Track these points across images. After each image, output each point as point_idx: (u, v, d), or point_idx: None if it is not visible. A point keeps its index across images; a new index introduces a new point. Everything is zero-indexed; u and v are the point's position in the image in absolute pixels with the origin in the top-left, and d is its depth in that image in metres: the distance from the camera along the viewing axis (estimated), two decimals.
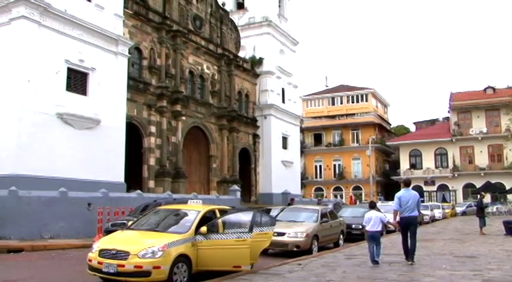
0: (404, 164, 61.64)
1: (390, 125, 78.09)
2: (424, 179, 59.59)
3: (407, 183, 12.90)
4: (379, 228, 12.17)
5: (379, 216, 12.24)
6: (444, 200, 55.72)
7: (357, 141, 65.51)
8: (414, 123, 74.84)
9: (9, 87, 21.74)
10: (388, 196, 52.87)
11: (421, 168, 60.48)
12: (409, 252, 12.30)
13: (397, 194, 12.47)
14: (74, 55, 23.98)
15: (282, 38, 47.21)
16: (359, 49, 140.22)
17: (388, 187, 63.11)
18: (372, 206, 13.16)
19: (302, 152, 59.01)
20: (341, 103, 69.43)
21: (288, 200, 35.63)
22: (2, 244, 16.56)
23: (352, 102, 68.98)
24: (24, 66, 21.80)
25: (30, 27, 22.13)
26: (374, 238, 12.05)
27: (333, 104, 69.79)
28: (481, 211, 24.24)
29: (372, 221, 12.10)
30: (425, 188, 59.12)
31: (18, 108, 21.42)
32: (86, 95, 24.72)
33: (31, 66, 21.97)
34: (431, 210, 37.26)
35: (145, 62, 31.18)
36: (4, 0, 22.39)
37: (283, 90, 47.12)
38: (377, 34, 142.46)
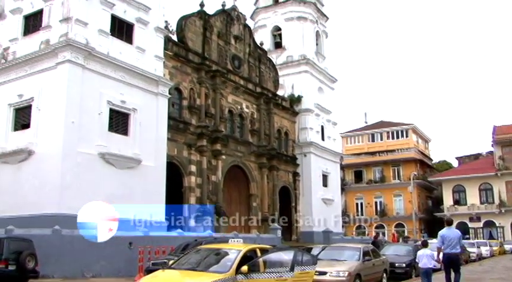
0: (448, 200, 60.05)
1: (432, 160, 76.67)
2: (469, 215, 57.76)
3: (449, 222, 14.00)
4: (431, 265, 13.42)
5: (429, 253, 13.37)
6: (491, 237, 53.76)
7: (398, 178, 64.44)
8: (457, 158, 73.14)
9: (54, 128, 22.38)
10: (432, 233, 51.43)
11: (466, 204, 58.69)
12: None
13: (440, 232, 13.51)
14: (116, 96, 24.62)
15: (320, 76, 47.41)
16: (398, 84, 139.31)
17: (431, 224, 61.47)
18: (424, 244, 14.53)
19: (343, 190, 58.35)
20: (381, 139, 68.73)
21: (330, 239, 34.96)
22: None
23: (392, 138, 68.19)
24: (69, 108, 22.44)
25: (75, 70, 22.91)
26: (427, 274, 13.37)
27: (373, 140, 69.15)
28: None
29: (424, 258, 13.27)
30: (470, 225, 57.27)
31: (62, 149, 21.98)
32: (127, 135, 25.22)
33: (75, 107, 22.63)
34: (478, 247, 35.97)
35: (185, 102, 31.69)
36: (51, 46, 23.34)
37: (322, 127, 47.04)
38: (417, 69, 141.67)
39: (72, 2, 23.60)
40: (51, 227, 19.06)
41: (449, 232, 13.26)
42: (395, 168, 64.99)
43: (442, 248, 13.17)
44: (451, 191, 60.25)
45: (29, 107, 23.71)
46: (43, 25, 24.38)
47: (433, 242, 23.28)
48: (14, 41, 25.37)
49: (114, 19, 25.42)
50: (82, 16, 23.60)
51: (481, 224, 57.56)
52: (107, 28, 24.91)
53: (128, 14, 26.18)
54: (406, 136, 67.62)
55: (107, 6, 24.95)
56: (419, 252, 13.69)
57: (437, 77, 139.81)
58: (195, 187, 31.15)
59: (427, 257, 13.24)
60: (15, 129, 24.27)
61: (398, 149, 65.67)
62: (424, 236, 51.33)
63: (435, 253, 13.52)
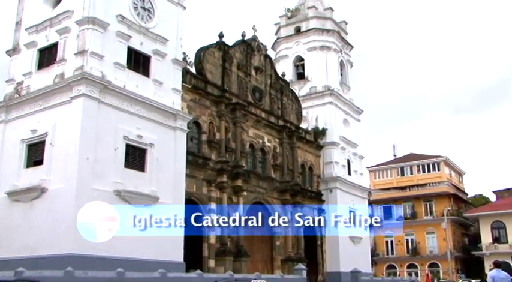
0: (486, 237, 57.01)
1: (467, 194, 74.33)
2: (511, 254, 54.66)
3: (497, 265, 14.90)
4: None
5: None
6: None
7: (431, 214, 62.16)
8: (494, 192, 70.51)
9: (68, 164, 21.79)
10: (470, 273, 49.15)
11: (507, 242, 55.53)
12: None
13: (490, 274, 14.70)
14: (133, 131, 24.00)
15: (345, 107, 46.28)
16: (428, 114, 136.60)
17: (468, 263, 58.84)
18: None
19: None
20: (411, 173, 66.94)
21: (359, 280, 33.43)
22: None
23: (423, 171, 66.39)
24: (83, 143, 21.86)
25: (90, 104, 22.41)
26: None
27: (403, 174, 67.42)
28: None
29: None
30: None
31: (76, 186, 21.32)
32: (144, 171, 24.47)
33: (90, 143, 22.06)
34: None
35: (204, 137, 30.93)
36: (66, 79, 22.91)
37: (348, 161, 45.66)
38: (448, 97, 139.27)
39: (87, 34, 23.22)
40: (64, 267, 18.18)
41: (500, 274, 14.34)
42: (428, 203, 62.87)
43: None
44: (489, 228, 57.46)
45: (42, 143, 23.20)
46: (58, 59, 24.02)
47: None
48: (28, 75, 25.06)
49: (131, 51, 25.00)
50: (97, 49, 23.21)
51: None
52: (123, 61, 24.43)
53: (144, 46, 25.77)
54: (438, 169, 65.75)
55: (123, 39, 24.56)
56: None
57: (470, 105, 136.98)
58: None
59: None
60: (28, 166, 23.72)
61: (430, 183, 63.70)
62: (461, 276, 49.06)
63: None
